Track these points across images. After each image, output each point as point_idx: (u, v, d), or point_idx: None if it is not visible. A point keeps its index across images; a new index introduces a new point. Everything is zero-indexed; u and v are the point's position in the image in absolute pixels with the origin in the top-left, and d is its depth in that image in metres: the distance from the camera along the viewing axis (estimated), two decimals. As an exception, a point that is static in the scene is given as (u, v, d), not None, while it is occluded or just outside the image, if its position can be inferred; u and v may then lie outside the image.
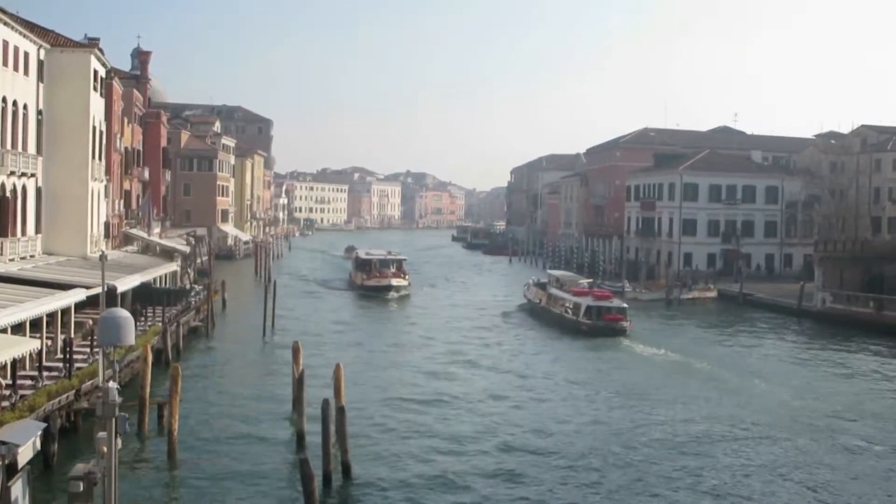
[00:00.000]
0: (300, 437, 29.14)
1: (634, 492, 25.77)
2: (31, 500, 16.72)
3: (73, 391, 29.00)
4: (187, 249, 76.31)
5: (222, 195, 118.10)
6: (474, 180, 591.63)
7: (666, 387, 41.29)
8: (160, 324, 43.71)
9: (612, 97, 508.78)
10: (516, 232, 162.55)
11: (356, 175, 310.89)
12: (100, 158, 54.13)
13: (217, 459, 27.97)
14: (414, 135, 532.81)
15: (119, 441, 14.06)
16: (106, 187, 57.42)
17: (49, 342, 33.26)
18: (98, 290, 35.12)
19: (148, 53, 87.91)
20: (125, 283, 42.32)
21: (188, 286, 60.55)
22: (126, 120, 67.17)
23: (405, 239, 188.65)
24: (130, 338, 14.98)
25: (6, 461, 17.21)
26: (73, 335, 34.75)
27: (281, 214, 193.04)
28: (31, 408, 25.67)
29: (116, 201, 62.92)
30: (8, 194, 41.43)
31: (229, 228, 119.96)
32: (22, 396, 26.64)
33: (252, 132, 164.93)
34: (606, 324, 56.48)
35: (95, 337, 30.39)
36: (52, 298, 33.42)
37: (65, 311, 35.13)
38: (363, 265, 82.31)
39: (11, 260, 40.30)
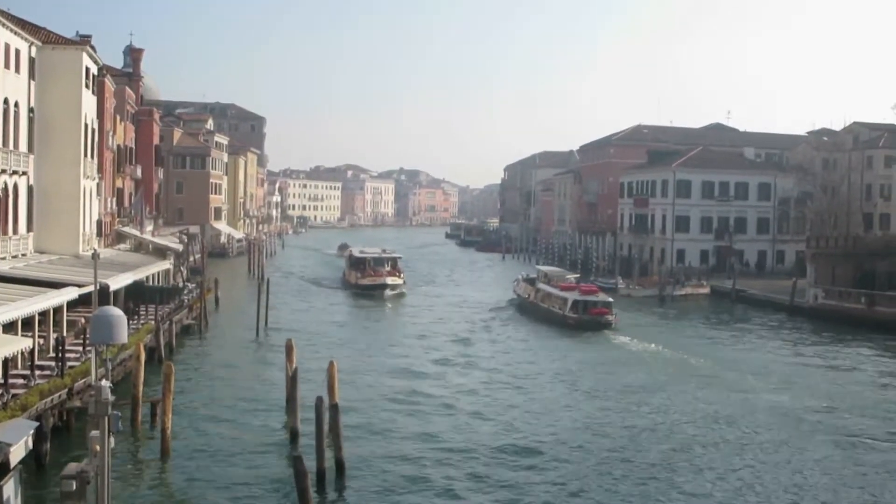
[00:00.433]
0: (294, 435, 29.12)
1: (613, 483, 25.87)
2: (24, 499, 16.68)
3: (66, 390, 28.89)
4: (180, 247, 76.13)
5: (215, 193, 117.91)
6: (468, 177, 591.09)
7: (650, 380, 41.88)
8: (153, 322, 43.58)
9: (605, 95, 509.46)
10: (510, 229, 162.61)
11: (349, 173, 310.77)
12: (92, 156, 54.00)
13: (210, 457, 27.93)
14: (407, 132, 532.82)
15: (112, 440, 14.00)
16: (98, 185, 57.28)
17: (41, 341, 33.15)
18: (90, 288, 35.11)
19: (140, 51, 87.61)
20: (118, 282, 42.23)
21: (181, 284, 60.43)
22: (118, 118, 66.99)
23: (398, 236, 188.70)
24: (123, 336, 14.92)
25: (-1, 460, 17.24)
26: (65, 334, 34.67)
27: (274, 212, 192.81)
28: (24, 407, 25.59)
29: (109, 199, 62.75)
30: (0, 193, 41.30)
31: (222, 226, 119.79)
32: (14, 395, 26.55)
33: (245, 130, 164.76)
34: (592, 318, 57.68)
35: (88, 335, 30.32)
36: (45, 297, 33.32)
37: (57, 310, 35.02)
38: (357, 263, 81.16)
39: (3, 258, 40.19)
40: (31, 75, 46.16)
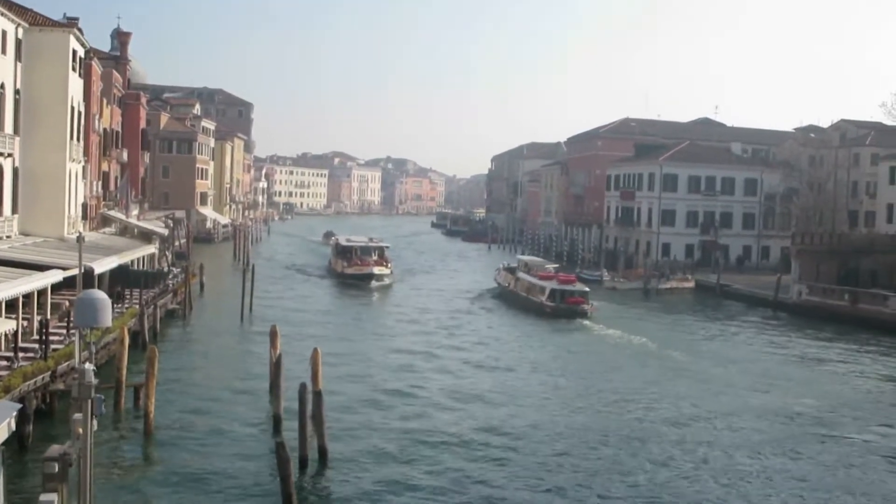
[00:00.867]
0: (277, 421, 29.17)
1: (583, 465, 26.05)
2: (6, 480, 16.69)
3: (49, 372, 28.91)
4: (165, 232, 75.92)
5: (201, 178, 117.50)
6: (455, 167, 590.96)
7: (623, 368, 43.12)
8: (137, 306, 43.55)
9: (593, 87, 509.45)
10: (496, 219, 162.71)
11: (336, 160, 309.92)
12: (78, 139, 53.75)
13: (193, 442, 27.97)
14: (395, 121, 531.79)
15: (95, 423, 14.02)
16: (84, 168, 57.04)
17: (25, 323, 33.10)
18: (75, 271, 35.00)
19: (128, 34, 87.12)
20: (102, 265, 42.10)
21: (166, 269, 60.32)
22: (105, 101, 66.71)
23: (385, 225, 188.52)
24: (107, 320, 14.91)
25: (-20, 441, 17.23)
26: (49, 316, 34.56)
27: (260, 198, 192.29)
28: (7, 388, 25.62)
29: (94, 183, 62.53)
30: (-16, 174, 41.16)
31: (208, 212, 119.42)
32: (-3, 377, 26.57)
33: (232, 115, 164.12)
34: (569, 306, 59.17)
35: (72, 318, 30.30)
36: (29, 279, 33.25)
37: (41, 292, 34.92)
38: (344, 252, 79.79)
39: (-13, 240, 40.05)
40: (18, 57, 45.86)
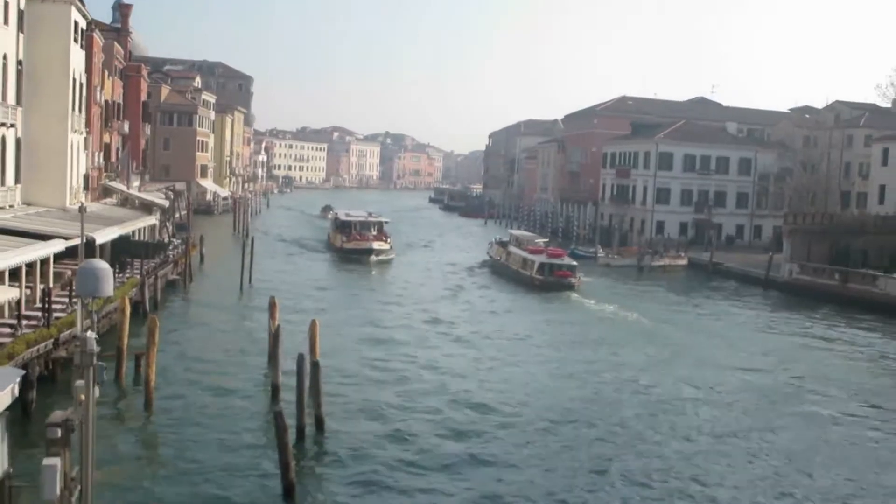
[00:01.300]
0: (275, 391, 29.34)
1: (561, 434, 26.35)
2: (9, 445, 16.82)
3: (52, 340, 29.04)
4: (166, 203, 75.81)
5: (202, 150, 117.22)
6: (453, 143, 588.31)
7: (609, 339, 44.16)
8: (138, 276, 43.66)
9: (591, 65, 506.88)
10: (493, 195, 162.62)
11: (335, 134, 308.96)
12: (80, 110, 53.63)
13: (193, 410, 28.20)
14: (395, 97, 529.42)
15: (97, 390, 14.08)
16: (86, 139, 56.95)
17: (28, 291, 33.18)
18: (77, 241, 35.10)
19: (129, 6, 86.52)
20: (104, 235, 42.16)
21: (166, 240, 60.32)
22: (106, 73, 66.42)
23: (383, 199, 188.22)
24: (109, 289, 14.92)
25: (-16, 406, 17.37)
26: (51, 285, 34.70)
27: (260, 171, 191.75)
28: (10, 355, 25.76)
29: (96, 154, 62.41)
30: (-13, 144, 41.11)
31: (208, 184, 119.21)
32: (1, 344, 26.71)
33: (232, 88, 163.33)
34: (557, 279, 60.59)
35: (74, 287, 30.39)
36: (32, 248, 33.32)
37: (44, 262, 35.02)
38: (343, 227, 78.75)
39: (-10, 209, 40.08)
40: (20, 28, 45.57)
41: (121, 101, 75.25)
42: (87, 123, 57.31)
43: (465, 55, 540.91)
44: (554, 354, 40.11)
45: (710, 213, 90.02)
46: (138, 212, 62.83)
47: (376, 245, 74.55)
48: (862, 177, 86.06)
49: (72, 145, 51.13)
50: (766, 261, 68.96)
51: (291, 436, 22.65)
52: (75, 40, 51.01)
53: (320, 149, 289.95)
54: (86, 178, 57.40)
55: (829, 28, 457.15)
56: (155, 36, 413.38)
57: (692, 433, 28.40)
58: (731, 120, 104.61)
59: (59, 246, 35.93)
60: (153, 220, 61.27)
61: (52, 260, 35.79)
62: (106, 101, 66.14)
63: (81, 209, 35.44)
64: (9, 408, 17.05)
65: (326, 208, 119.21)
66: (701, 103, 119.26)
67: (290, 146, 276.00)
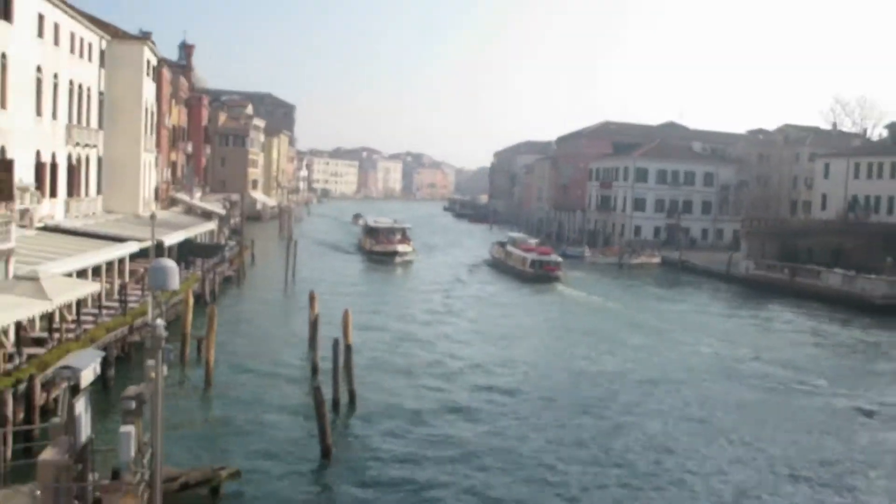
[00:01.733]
0: (314, 369, 29.35)
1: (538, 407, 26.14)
2: (92, 414, 16.81)
3: (127, 326, 29.08)
4: (223, 212, 75.93)
5: (253, 167, 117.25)
6: (463, 160, 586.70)
7: (587, 322, 45.07)
8: (200, 273, 43.66)
9: (579, 95, 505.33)
10: (497, 205, 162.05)
11: (365, 153, 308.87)
12: (151, 133, 53.77)
13: (245, 386, 28.16)
14: (415, 120, 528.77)
15: (165, 369, 14.03)
16: (156, 158, 57.06)
17: (108, 286, 33.23)
18: (149, 243, 35.11)
19: (192, 47, 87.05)
20: (171, 238, 42.26)
21: (223, 242, 60.36)
22: (173, 102, 66.61)
23: (404, 208, 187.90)
24: (175, 283, 14.92)
25: (71, 383, 17.34)
26: (127, 280, 34.74)
27: (301, 184, 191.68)
28: (93, 339, 25.78)
29: (165, 170, 62.55)
30: (75, 162, 41.16)
31: (258, 195, 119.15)
32: (85, 330, 26.73)
33: (279, 115, 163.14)
34: (545, 273, 61.95)
35: (146, 282, 30.39)
36: (111, 249, 33.40)
37: (121, 260, 35.11)
38: (372, 232, 78.12)
39: (77, 217, 40.14)
40: (102, 64, 45.72)
41: (185, 126, 75.40)
42: (157, 144, 57.42)
43: (476, 85, 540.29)
44: (544, 327, 41.77)
45: (680, 218, 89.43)
46: (200, 219, 62.89)
47: (401, 248, 73.51)
48: (807, 187, 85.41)
49: (144, 163, 51.22)
50: (727, 259, 68.53)
51: (328, 407, 22.53)
52: (147, 74, 51.12)
53: (352, 165, 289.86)
54: (156, 190, 57.49)
55: (779, 61, 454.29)
56: (214, 71, 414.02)
57: (664, 396, 28.20)
58: (696, 140, 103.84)
59: (133, 247, 35.98)
60: (212, 225, 61.33)
61: (127, 259, 35.83)
62: (173, 126, 66.29)
63: (152, 216, 35.47)
64: (91, 384, 17.04)
65: (357, 216, 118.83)
66: (671, 126, 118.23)
67: (327, 163, 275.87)
